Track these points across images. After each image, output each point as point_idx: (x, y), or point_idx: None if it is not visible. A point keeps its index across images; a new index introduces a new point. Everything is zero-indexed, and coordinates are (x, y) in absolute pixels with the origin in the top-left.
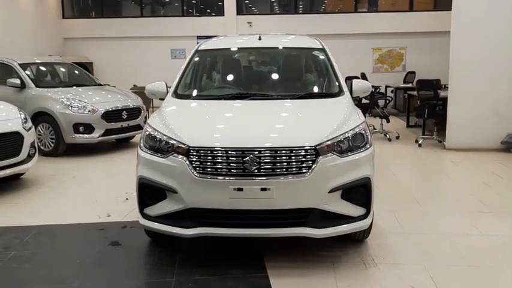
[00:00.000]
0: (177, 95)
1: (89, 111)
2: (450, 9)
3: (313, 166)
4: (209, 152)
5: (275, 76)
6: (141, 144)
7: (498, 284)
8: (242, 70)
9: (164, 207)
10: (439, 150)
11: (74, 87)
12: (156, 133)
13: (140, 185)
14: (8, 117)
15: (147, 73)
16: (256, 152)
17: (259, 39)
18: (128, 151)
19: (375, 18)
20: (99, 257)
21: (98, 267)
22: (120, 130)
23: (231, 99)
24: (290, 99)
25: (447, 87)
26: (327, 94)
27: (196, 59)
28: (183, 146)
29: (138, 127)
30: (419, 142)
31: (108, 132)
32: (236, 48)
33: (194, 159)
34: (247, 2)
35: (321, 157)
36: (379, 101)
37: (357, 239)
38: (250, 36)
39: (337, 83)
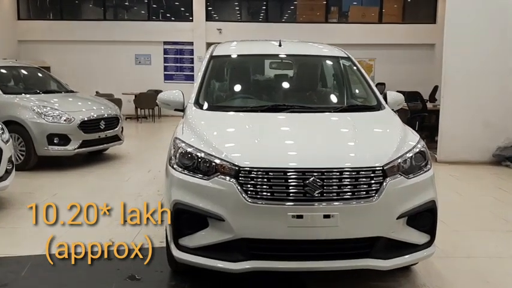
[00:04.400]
0: (199, 105)
1: (65, 120)
2: (418, 23)
3: (381, 189)
4: (264, 173)
5: (307, 86)
6: (173, 164)
7: None
8: (270, 79)
9: (206, 237)
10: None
11: (42, 94)
12: (192, 150)
13: (176, 211)
14: None
15: (110, 79)
16: (320, 174)
17: (280, 45)
18: (103, 165)
19: (345, 29)
20: None
21: None
22: (97, 141)
23: (267, 111)
24: (332, 111)
25: (426, 100)
26: (367, 107)
27: (213, 65)
28: (232, 166)
29: (116, 138)
30: None
31: (84, 143)
32: (259, 55)
33: (246, 182)
34: (210, 8)
35: (388, 179)
36: None
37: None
38: (268, 42)
39: (373, 95)
